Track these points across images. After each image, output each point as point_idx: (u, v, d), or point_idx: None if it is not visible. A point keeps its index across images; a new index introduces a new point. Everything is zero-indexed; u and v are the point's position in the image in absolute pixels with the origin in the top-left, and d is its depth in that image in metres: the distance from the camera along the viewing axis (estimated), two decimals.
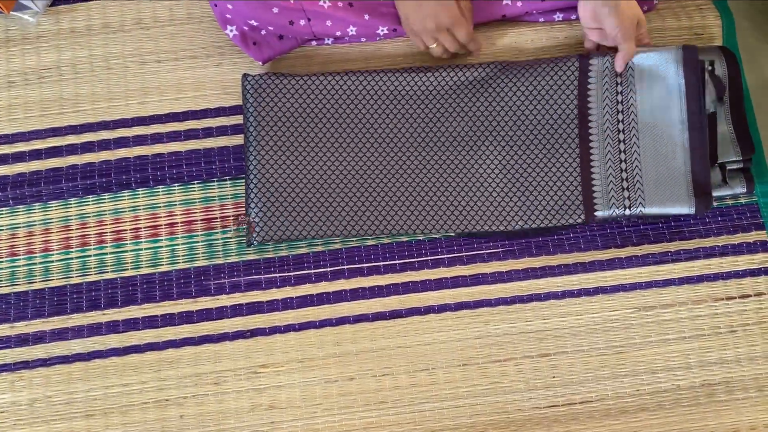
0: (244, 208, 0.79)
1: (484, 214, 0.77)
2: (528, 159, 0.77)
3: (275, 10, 0.75)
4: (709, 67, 0.78)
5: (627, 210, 0.75)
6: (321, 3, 0.76)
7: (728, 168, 0.77)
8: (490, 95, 0.79)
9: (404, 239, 0.78)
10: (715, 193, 0.76)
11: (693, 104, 0.76)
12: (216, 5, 0.76)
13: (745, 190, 0.77)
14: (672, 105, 0.77)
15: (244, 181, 0.79)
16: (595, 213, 0.76)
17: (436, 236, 0.78)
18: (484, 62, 0.80)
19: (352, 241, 0.78)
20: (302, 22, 0.77)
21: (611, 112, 0.77)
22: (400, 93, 0.79)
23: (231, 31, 0.79)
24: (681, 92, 0.76)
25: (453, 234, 0.78)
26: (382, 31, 0.80)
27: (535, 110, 0.78)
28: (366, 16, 0.78)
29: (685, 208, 0.75)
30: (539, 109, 0.78)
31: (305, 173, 0.77)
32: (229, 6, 0.75)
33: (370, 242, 0.78)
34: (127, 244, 0.78)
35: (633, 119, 0.77)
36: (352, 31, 0.79)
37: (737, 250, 0.78)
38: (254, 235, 0.75)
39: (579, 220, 0.76)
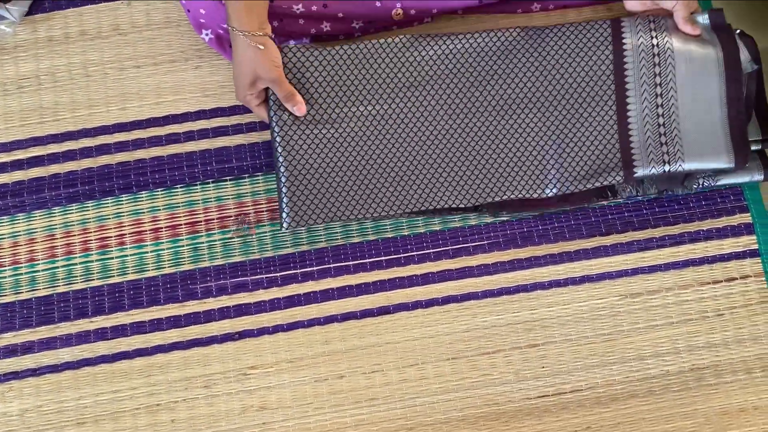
0: (228, 210, 0.79)
1: (522, 179, 0.76)
2: (564, 120, 0.77)
3: None
4: (738, 30, 0.78)
5: (666, 166, 0.74)
6: (295, 8, 0.76)
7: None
8: (521, 60, 0.78)
9: (389, 235, 0.78)
10: (732, 180, 0.76)
11: (730, 59, 0.76)
12: (189, 11, 0.76)
13: (762, 177, 0.76)
14: (709, 59, 0.76)
15: (243, 178, 0.79)
16: (635, 171, 0.75)
17: (420, 228, 0.78)
18: (512, 27, 0.79)
19: (338, 239, 0.78)
20: (275, 23, 0.76)
21: (648, 67, 0.76)
22: (431, 59, 0.78)
23: (206, 35, 0.79)
24: (718, 48, 0.76)
25: (487, 208, 0.77)
26: (358, 24, 0.80)
27: (571, 69, 0.77)
28: (340, 14, 0.78)
29: (724, 162, 0.74)
30: (574, 68, 0.77)
31: (336, 150, 0.76)
32: (202, 11, 0.75)
33: (355, 239, 0.78)
34: (112, 250, 0.78)
35: (671, 75, 0.76)
36: (326, 27, 0.79)
37: (722, 233, 0.78)
38: (285, 221, 0.74)
39: (618, 179, 0.75)
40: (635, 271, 0.77)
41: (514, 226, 0.78)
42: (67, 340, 0.76)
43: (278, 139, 0.75)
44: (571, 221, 0.78)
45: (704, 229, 0.78)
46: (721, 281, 0.77)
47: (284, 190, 0.74)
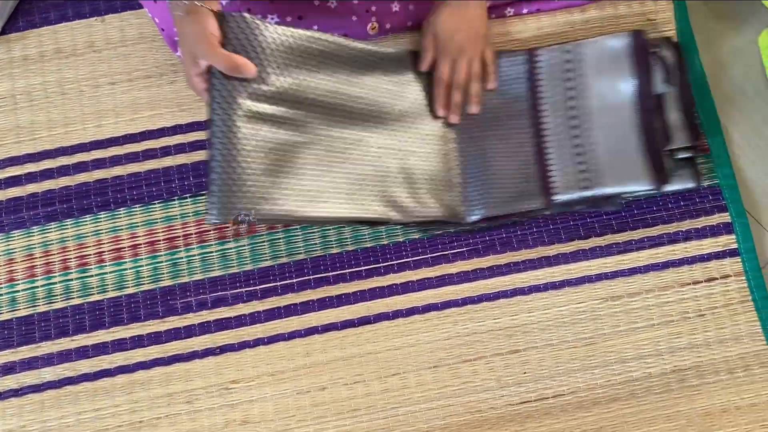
0: (207, 225, 0.79)
1: (447, 200, 0.77)
2: (485, 148, 0.78)
3: None
4: (656, 49, 0.78)
5: (587, 191, 0.75)
6: (269, 18, 0.76)
7: (678, 156, 0.76)
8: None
9: (368, 245, 0.78)
10: (666, 188, 0.76)
11: (642, 85, 0.77)
12: (163, 29, 0.76)
13: (694, 185, 0.76)
14: (622, 87, 0.77)
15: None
16: (555, 197, 0.76)
17: (399, 236, 0.78)
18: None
19: (317, 250, 0.78)
20: None
21: (562, 99, 0.78)
22: (365, 62, 0.76)
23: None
24: (630, 74, 0.77)
25: (414, 228, 0.78)
26: (336, 34, 0.79)
27: (488, 102, 0.79)
28: (315, 27, 0.78)
29: (645, 185, 0.75)
30: (491, 100, 0.79)
31: (277, 140, 0.69)
32: (176, 29, 0.75)
33: (334, 250, 0.78)
34: (91, 268, 0.78)
35: (584, 103, 0.78)
36: None
37: (701, 233, 0.78)
38: (213, 212, 0.65)
39: (538, 205, 0.76)
40: (615, 274, 0.77)
41: (492, 233, 0.78)
42: (49, 360, 0.76)
43: (217, 120, 0.66)
44: (549, 226, 0.78)
45: (683, 229, 0.78)
46: (702, 282, 0.77)
47: (216, 174, 0.65)
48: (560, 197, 0.76)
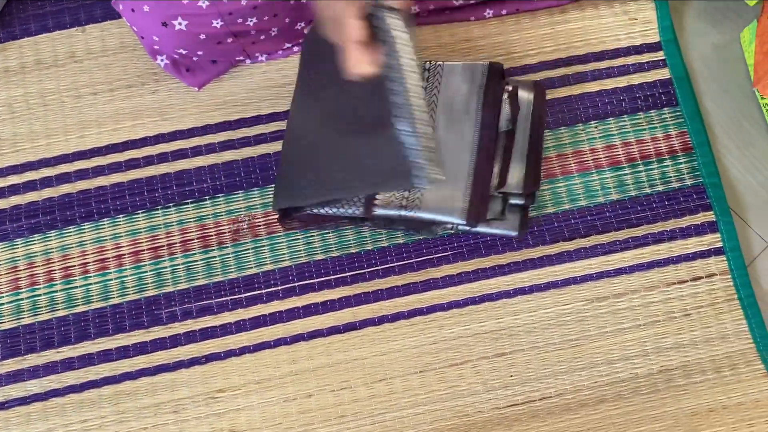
0: (191, 233, 0.78)
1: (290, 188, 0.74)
2: (338, 141, 0.73)
3: (202, 36, 0.74)
4: (510, 88, 0.76)
5: (403, 210, 0.73)
6: (248, 22, 0.76)
7: (510, 201, 0.74)
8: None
9: (353, 250, 0.78)
10: (488, 230, 0.74)
11: (485, 119, 0.75)
12: (143, 38, 0.76)
13: (516, 233, 0.74)
14: (467, 119, 0.75)
15: (198, 202, 0.79)
16: (376, 210, 0.73)
17: (383, 242, 0.78)
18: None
19: (302, 256, 0.78)
20: (229, 40, 0.76)
21: None
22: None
23: (162, 60, 0.79)
24: (476, 106, 0.75)
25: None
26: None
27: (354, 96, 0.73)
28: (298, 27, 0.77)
29: (456, 218, 0.72)
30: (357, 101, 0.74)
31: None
32: (155, 38, 0.74)
33: (319, 256, 0.78)
34: (76, 279, 0.78)
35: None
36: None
37: (686, 233, 0.78)
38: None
39: (357, 213, 0.73)
40: (600, 275, 0.77)
41: (477, 236, 0.78)
42: (35, 372, 0.76)
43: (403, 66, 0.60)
44: (534, 228, 0.78)
45: (668, 229, 0.78)
46: (687, 281, 0.77)
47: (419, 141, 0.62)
48: (380, 211, 0.73)
